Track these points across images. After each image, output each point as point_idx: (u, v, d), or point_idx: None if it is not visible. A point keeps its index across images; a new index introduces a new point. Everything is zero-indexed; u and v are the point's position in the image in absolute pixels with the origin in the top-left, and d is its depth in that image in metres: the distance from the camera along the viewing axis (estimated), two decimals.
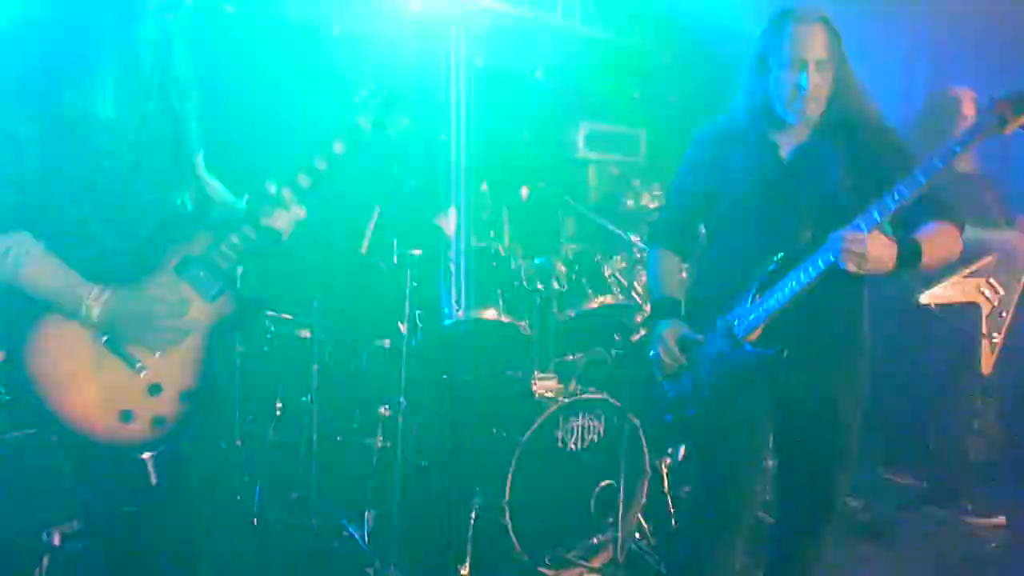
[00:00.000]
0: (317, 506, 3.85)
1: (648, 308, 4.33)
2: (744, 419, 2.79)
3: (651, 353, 2.92)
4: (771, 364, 2.65)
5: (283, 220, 2.37)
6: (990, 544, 4.27)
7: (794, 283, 2.59)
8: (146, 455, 2.19)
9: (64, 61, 2.11)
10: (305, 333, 4.06)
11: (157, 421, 2.20)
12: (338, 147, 2.39)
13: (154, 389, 2.20)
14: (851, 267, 2.45)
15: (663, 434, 4.26)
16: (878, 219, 2.44)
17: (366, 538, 3.84)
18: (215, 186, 2.53)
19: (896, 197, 2.42)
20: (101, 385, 2.15)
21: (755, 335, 2.69)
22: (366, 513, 3.89)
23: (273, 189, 2.35)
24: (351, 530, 3.86)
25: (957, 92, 4.60)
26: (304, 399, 3.96)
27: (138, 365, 2.19)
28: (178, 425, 2.24)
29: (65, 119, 2.11)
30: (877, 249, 2.44)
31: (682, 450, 4.24)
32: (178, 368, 2.25)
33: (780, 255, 2.65)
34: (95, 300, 2.12)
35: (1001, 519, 4.48)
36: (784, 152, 2.72)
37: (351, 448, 4.08)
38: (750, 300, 2.70)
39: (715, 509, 2.89)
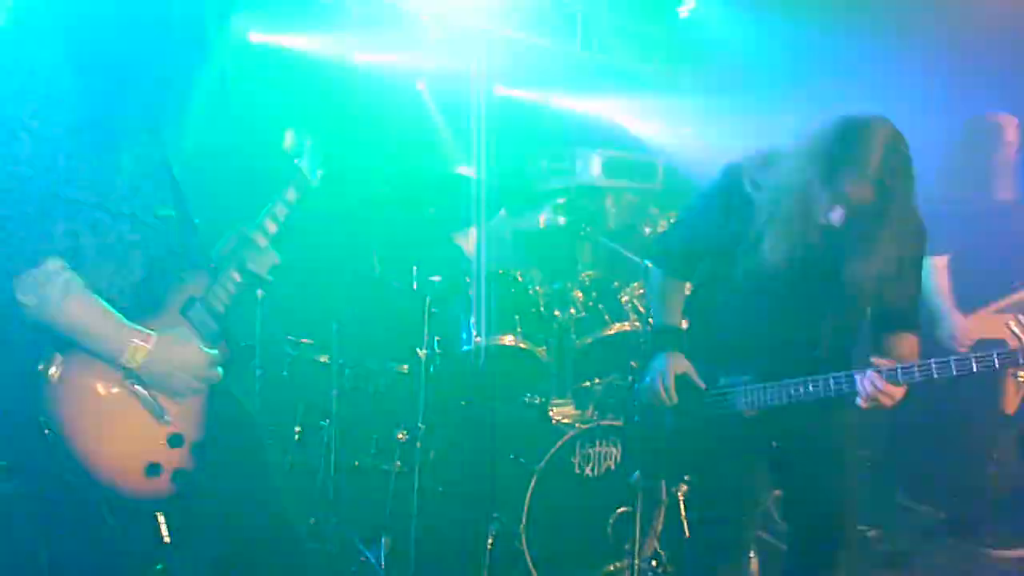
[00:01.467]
0: (334, 531, 3.86)
1: None
2: (744, 456, 2.83)
3: (646, 380, 2.93)
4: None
5: (262, 265, 2.34)
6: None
7: (804, 390, 2.65)
8: (159, 513, 2.07)
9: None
10: (324, 358, 4.09)
11: (177, 475, 2.08)
12: (291, 195, 2.42)
13: (175, 440, 2.10)
14: (865, 407, 2.55)
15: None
16: (916, 379, 2.50)
17: (383, 563, 3.81)
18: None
19: (945, 369, 2.48)
20: (128, 434, 2.03)
21: (752, 413, 2.76)
22: (383, 538, 3.85)
23: (248, 232, 2.35)
24: (368, 555, 3.85)
25: (1000, 118, 4.48)
26: (323, 424, 3.97)
27: (164, 415, 2.08)
28: (193, 480, 2.12)
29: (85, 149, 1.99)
30: (897, 397, 2.54)
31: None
32: (190, 418, 2.15)
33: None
34: (143, 343, 2.02)
35: None
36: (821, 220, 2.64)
37: (369, 473, 4.09)
38: (754, 380, 2.75)
39: (719, 539, 2.94)
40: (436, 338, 3.99)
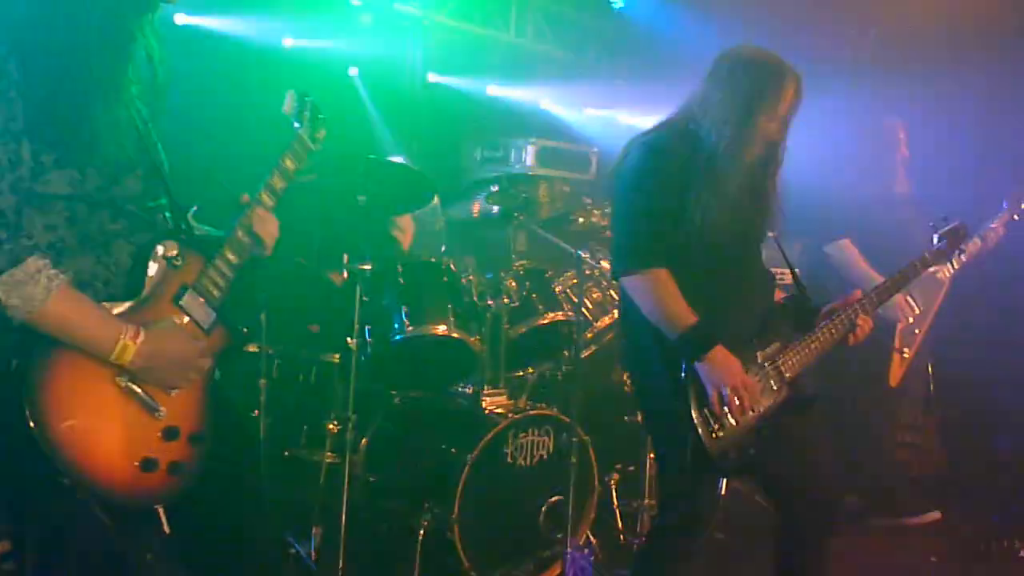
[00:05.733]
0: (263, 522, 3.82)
1: (599, 324, 4.40)
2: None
3: (714, 395, 2.68)
4: None
5: (269, 227, 2.29)
6: (931, 557, 4.39)
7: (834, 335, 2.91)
8: (159, 505, 2.06)
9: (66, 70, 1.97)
10: (252, 348, 3.98)
11: (174, 468, 2.06)
12: (288, 163, 2.34)
13: (170, 433, 2.07)
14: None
15: (611, 450, 4.33)
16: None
17: (313, 555, 3.80)
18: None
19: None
20: (121, 431, 1.99)
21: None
22: (313, 529, 3.84)
23: (247, 199, 2.28)
24: (297, 547, 3.82)
25: (894, 123, 4.88)
26: (251, 414, 3.92)
27: (157, 408, 2.05)
28: (192, 472, 2.11)
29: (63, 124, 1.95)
30: None
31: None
32: (187, 409, 2.12)
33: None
34: (132, 340, 1.97)
35: (936, 514, 4.65)
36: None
37: (299, 464, 4.08)
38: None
39: (691, 530, 2.97)
40: (367, 327, 3.97)
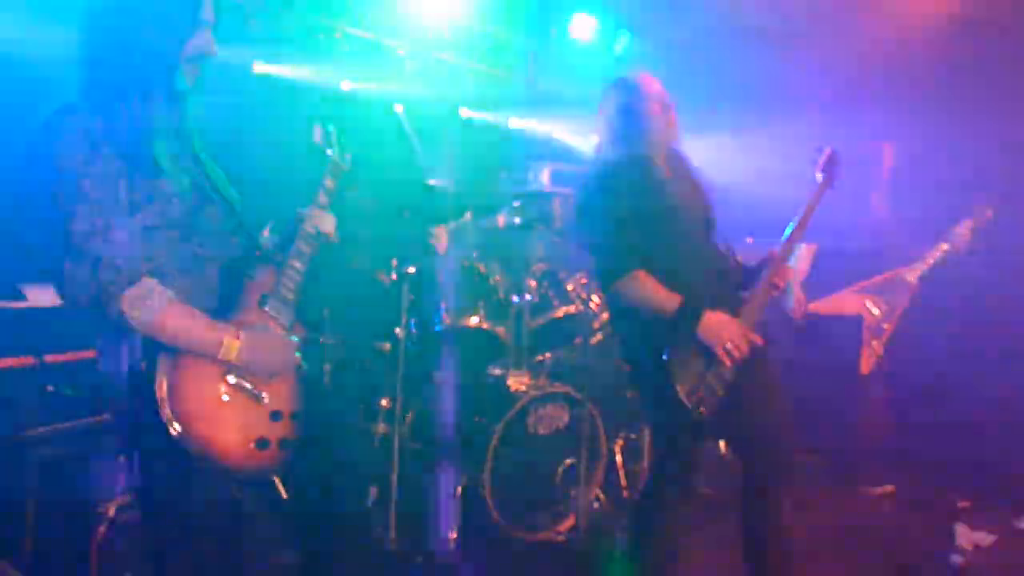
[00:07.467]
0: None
1: (604, 316, 4.57)
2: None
3: (720, 350, 2.91)
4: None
5: (328, 223, 2.46)
6: (883, 508, 4.72)
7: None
8: (276, 477, 2.26)
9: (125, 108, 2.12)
10: (322, 339, 4.27)
11: (283, 443, 2.26)
12: (328, 183, 2.51)
13: (275, 415, 2.26)
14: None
15: (616, 421, 4.58)
16: None
17: (369, 508, 4.03)
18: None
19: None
20: (236, 419, 2.18)
21: None
22: (370, 488, 4.09)
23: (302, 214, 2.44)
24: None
25: (881, 144, 4.87)
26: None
27: (261, 396, 2.24)
28: (297, 444, 2.30)
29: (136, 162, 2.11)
30: None
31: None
32: (285, 393, 2.30)
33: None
34: (235, 338, 2.16)
35: (891, 488, 4.90)
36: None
37: (357, 434, 4.29)
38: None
39: (680, 487, 3.23)
40: (412, 320, 4.21)
